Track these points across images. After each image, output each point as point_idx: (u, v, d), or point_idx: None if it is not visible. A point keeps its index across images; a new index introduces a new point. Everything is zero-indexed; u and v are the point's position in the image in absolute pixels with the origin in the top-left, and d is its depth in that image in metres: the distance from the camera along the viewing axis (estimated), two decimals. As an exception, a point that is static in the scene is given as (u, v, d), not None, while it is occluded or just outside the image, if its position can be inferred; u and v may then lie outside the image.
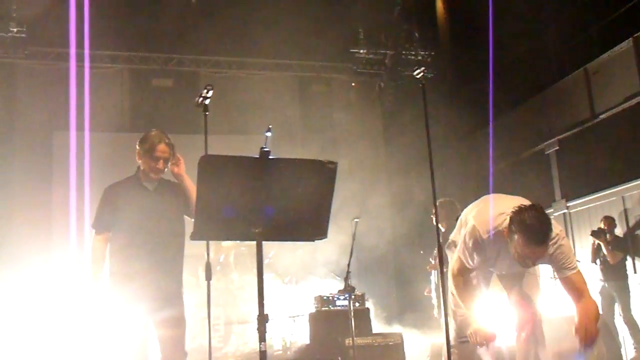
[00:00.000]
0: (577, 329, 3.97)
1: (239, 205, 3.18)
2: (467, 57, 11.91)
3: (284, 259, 11.14)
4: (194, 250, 5.12)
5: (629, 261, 9.60)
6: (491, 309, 4.45)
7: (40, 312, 9.20)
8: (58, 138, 12.43)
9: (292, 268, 11.27)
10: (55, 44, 12.43)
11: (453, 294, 4.57)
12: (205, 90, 4.57)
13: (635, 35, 10.09)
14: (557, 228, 4.13)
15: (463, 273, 4.43)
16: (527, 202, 4.09)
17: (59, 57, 12.65)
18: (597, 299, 9.37)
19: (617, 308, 9.35)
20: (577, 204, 11.37)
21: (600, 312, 9.09)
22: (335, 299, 9.33)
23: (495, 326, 4.40)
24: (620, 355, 8.63)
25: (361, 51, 14.36)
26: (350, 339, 7.56)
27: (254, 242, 3.23)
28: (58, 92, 11.74)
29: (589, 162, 11.07)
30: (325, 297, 9.36)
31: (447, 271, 4.66)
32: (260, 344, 3.08)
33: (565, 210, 11.50)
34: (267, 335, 3.12)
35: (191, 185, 4.92)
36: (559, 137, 11.74)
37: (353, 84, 14.87)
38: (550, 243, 4.03)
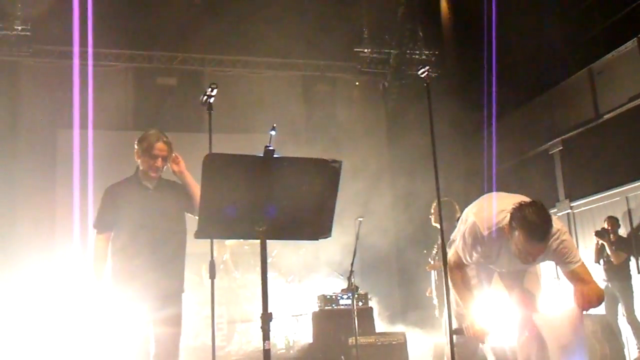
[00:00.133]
0: (575, 292, 4.02)
1: (243, 204, 3.18)
2: (471, 56, 11.89)
3: (287, 257, 11.15)
4: (197, 248, 5.12)
5: (632, 261, 9.58)
6: (493, 308, 4.45)
7: (44, 310, 9.22)
8: (62, 136, 12.45)
9: (295, 267, 11.27)
10: (59, 42, 12.43)
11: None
12: (210, 89, 4.57)
13: (640, 35, 10.09)
14: (557, 224, 4.14)
15: (460, 267, 4.44)
16: (527, 200, 4.10)
17: (63, 55, 12.66)
18: (601, 299, 9.37)
19: (621, 308, 9.34)
20: (581, 204, 11.36)
21: (604, 312, 9.14)
22: (339, 298, 9.33)
23: (493, 325, 4.41)
24: (624, 355, 8.61)
25: (365, 50, 14.35)
26: (354, 338, 7.56)
27: (258, 241, 3.23)
28: (62, 90, 11.74)
29: (593, 162, 11.06)
30: (328, 296, 9.36)
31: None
32: (264, 343, 3.08)
33: (569, 210, 11.49)
34: (271, 334, 3.12)
35: (193, 183, 4.97)
36: (563, 137, 11.73)
37: (357, 83, 14.85)
38: (552, 239, 4.04)
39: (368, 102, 14.74)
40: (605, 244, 9.42)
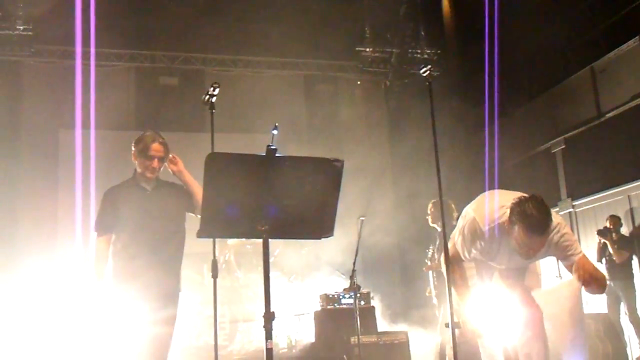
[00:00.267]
0: (576, 269, 4.02)
1: (246, 203, 3.19)
2: (473, 55, 11.88)
3: (289, 257, 11.15)
4: (199, 248, 5.13)
5: (634, 260, 9.58)
6: (493, 306, 4.45)
7: (45, 311, 9.23)
8: (64, 136, 12.45)
9: (297, 266, 11.27)
10: (61, 42, 12.44)
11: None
12: (212, 88, 4.58)
13: (642, 34, 10.08)
14: (557, 218, 4.15)
15: (459, 263, 4.45)
16: (527, 195, 4.11)
17: (65, 55, 12.67)
18: (603, 298, 9.37)
19: (623, 307, 9.33)
20: (583, 203, 11.35)
21: (606, 311, 9.14)
22: (341, 297, 9.32)
23: (489, 324, 4.41)
24: (626, 354, 8.62)
25: (367, 49, 14.34)
26: (356, 337, 7.57)
27: (260, 240, 3.24)
28: (64, 90, 11.74)
29: (595, 161, 11.05)
30: (330, 296, 9.36)
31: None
32: (266, 342, 3.08)
33: (571, 209, 11.48)
34: (273, 333, 3.13)
35: (193, 181, 5.02)
36: (565, 135, 11.72)
37: (359, 82, 14.84)
38: (553, 232, 4.05)
39: (370, 101, 14.74)
40: (607, 242, 9.41)
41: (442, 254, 4.54)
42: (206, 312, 9.54)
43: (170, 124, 12.89)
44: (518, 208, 3.97)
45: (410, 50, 14.28)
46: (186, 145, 11.13)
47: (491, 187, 4.58)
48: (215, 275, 4.70)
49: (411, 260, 9.23)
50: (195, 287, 10.02)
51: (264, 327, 3.09)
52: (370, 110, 14.51)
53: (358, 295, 7.99)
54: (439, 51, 14.38)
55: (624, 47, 10.47)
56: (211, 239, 4.60)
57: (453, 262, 4.43)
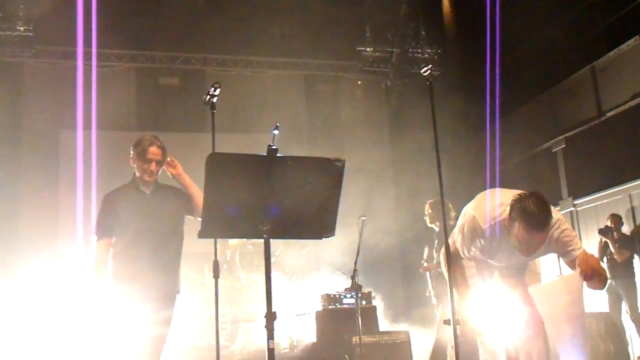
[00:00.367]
0: (579, 263, 4.00)
1: (247, 203, 3.19)
2: (473, 54, 11.87)
3: (290, 257, 11.16)
4: (200, 248, 5.13)
5: (636, 259, 9.57)
6: (494, 305, 4.45)
7: (47, 311, 9.24)
8: (65, 136, 12.46)
9: (298, 266, 11.27)
10: (62, 43, 12.46)
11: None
12: (213, 89, 4.59)
13: (643, 32, 10.07)
14: (557, 214, 4.15)
15: (457, 260, 4.45)
16: (527, 192, 4.11)
17: (65, 55, 12.69)
18: (604, 296, 9.37)
19: (625, 306, 9.33)
20: (584, 202, 11.34)
21: (608, 310, 9.13)
22: (342, 297, 9.32)
23: (488, 323, 4.41)
24: (628, 353, 8.62)
25: (368, 49, 14.35)
26: (357, 337, 7.57)
27: (261, 240, 3.24)
28: (65, 91, 11.75)
29: (596, 160, 11.04)
30: (332, 295, 9.36)
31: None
32: (268, 342, 3.08)
33: (572, 208, 11.47)
34: (274, 333, 3.13)
35: (192, 184, 5.09)
36: (566, 134, 11.71)
37: (359, 82, 14.86)
38: (553, 228, 4.06)
39: (371, 101, 14.75)
40: (608, 241, 9.41)
41: (442, 254, 4.54)
42: (207, 312, 9.55)
43: (171, 124, 12.92)
44: (518, 205, 3.98)
45: (410, 50, 14.29)
46: (187, 146, 11.15)
47: (492, 187, 4.58)
48: (216, 276, 4.71)
49: (412, 260, 9.22)
50: (196, 287, 10.03)
51: (266, 327, 3.10)
52: (371, 109, 14.51)
53: (359, 295, 7.99)
54: (439, 51, 14.38)
55: (625, 46, 10.47)
56: (212, 239, 4.60)
57: (453, 260, 4.43)
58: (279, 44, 13.25)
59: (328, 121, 14.32)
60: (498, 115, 10.30)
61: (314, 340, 9.42)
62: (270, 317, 3.11)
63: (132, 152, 5.02)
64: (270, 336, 3.09)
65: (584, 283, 4.04)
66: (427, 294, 8.21)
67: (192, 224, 5.09)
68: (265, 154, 3.09)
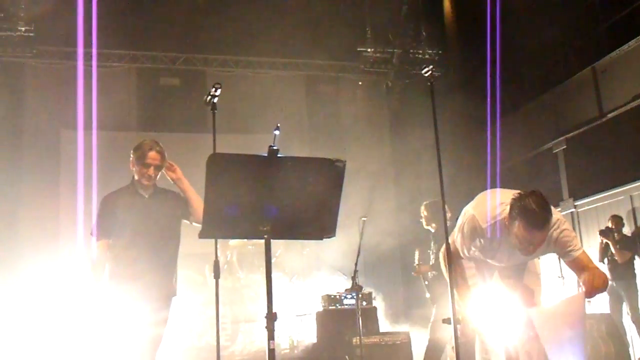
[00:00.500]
0: (585, 281, 4.00)
1: (247, 204, 3.19)
2: (474, 55, 11.88)
3: (291, 257, 11.16)
4: (201, 249, 5.15)
5: (637, 260, 9.56)
6: (494, 306, 4.44)
7: (48, 311, 9.24)
8: (65, 136, 12.46)
9: (299, 267, 11.27)
10: (63, 43, 12.47)
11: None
12: (214, 89, 4.59)
13: (644, 33, 10.07)
14: (557, 214, 4.15)
15: (455, 258, 4.44)
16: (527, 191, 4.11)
17: (66, 56, 12.69)
18: (605, 298, 9.36)
19: (625, 307, 9.33)
20: (585, 203, 11.34)
21: (608, 311, 9.12)
22: (343, 297, 9.33)
23: (489, 324, 4.41)
24: (628, 354, 8.60)
25: (368, 50, 14.35)
26: (358, 337, 7.56)
27: (262, 241, 3.24)
28: (66, 91, 11.77)
29: (597, 161, 11.04)
30: (332, 296, 9.37)
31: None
32: (269, 342, 3.08)
33: (573, 210, 11.47)
34: (275, 334, 3.13)
35: (190, 189, 5.14)
36: (566, 135, 11.71)
37: (360, 83, 14.85)
38: (553, 228, 4.05)
39: (371, 102, 14.75)
40: (609, 242, 9.40)
41: (441, 253, 4.54)
42: (208, 312, 9.56)
43: (172, 125, 12.91)
44: (518, 203, 3.98)
45: (411, 51, 14.30)
46: (187, 146, 11.19)
47: (493, 187, 4.57)
48: (217, 276, 4.71)
49: (413, 260, 9.24)
50: (197, 287, 10.04)
51: (267, 327, 3.10)
52: (372, 110, 14.52)
53: (360, 295, 7.99)
54: (440, 51, 14.39)
55: (626, 47, 10.47)
56: (213, 240, 4.61)
57: (453, 260, 4.43)
58: (280, 45, 13.25)
59: (329, 122, 14.32)
60: (499, 116, 10.30)
61: (315, 340, 9.42)
62: (271, 317, 3.11)
63: (131, 155, 5.06)
64: (271, 337, 3.09)
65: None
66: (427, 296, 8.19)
67: (190, 227, 5.16)
68: (266, 155, 3.09)
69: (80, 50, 10.26)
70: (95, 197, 5.25)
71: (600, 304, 9.44)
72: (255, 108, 13.00)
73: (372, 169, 12.57)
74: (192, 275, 10.29)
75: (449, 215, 7.49)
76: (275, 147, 3.08)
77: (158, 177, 5.09)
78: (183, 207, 5.15)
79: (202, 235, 3.28)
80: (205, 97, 4.67)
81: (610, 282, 9.35)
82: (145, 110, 13.59)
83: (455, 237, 4.45)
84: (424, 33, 14.39)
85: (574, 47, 12.25)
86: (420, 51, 14.35)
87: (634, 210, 10.25)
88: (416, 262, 8.10)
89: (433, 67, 4.54)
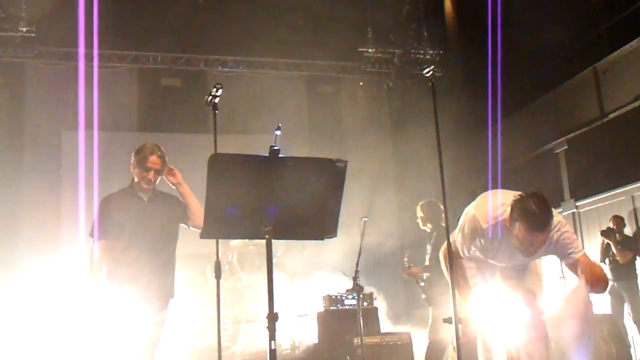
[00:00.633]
0: (581, 272, 4.02)
1: (249, 204, 3.19)
2: (475, 55, 11.87)
3: (292, 258, 11.15)
4: (202, 249, 5.16)
5: (638, 261, 9.55)
6: (497, 308, 4.44)
7: (48, 312, 9.24)
8: (67, 137, 12.46)
9: (300, 267, 11.27)
10: (64, 44, 12.47)
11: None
12: (215, 89, 4.59)
13: (645, 34, 10.05)
14: (558, 217, 4.15)
15: (456, 258, 4.43)
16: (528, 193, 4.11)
17: (67, 56, 12.69)
18: (607, 298, 9.35)
19: (627, 308, 9.32)
20: (586, 204, 11.33)
21: (610, 312, 9.11)
22: (344, 298, 9.33)
23: (490, 324, 4.41)
24: (630, 354, 8.60)
25: (370, 50, 14.35)
26: (359, 338, 7.56)
27: (263, 241, 3.24)
28: (67, 92, 11.80)
29: (598, 162, 11.03)
30: (333, 297, 9.36)
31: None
32: (270, 343, 3.08)
33: (574, 210, 11.46)
34: (276, 334, 3.13)
35: (190, 194, 5.19)
36: (568, 136, 11.70)
37: (361, 83, 14.86)
38: (554, 230, 4.05)
39: (372, 102, 14.75)
40: (611, 243, 9.39)
41: (441, 253, 4.54)
42: (209, 313, 9.55)
43: (173, 125, 12.92)
44: (519, 205, 3.97)
45: (412, 51, 14.30)
46: (189, 147, 11.19)
47: (494, 188, 4.57)
48: (218, 276, 4.72)
49: (414, 261, 9.22)
50: (198, 288, 10.04)
51: (268, 327, 3.10)
52: (373, 110, 14.52)
53: (361, 296, 7.98)
54: (441, 51, 14.38)
55: (627, 47, 10.45)
56: (214, 240, 4.61)
57: (449, 255, 4.42)
58: (281, 45, 13.25)
59: (330, 122, 14.33)
60: (500, 116, 10.30)
61: (316, 341, 9.42)
62: (272, 317, 3.11)
63: (132, 158, 5.09)
64: (272, 337, 3.09)
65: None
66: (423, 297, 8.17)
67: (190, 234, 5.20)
68: (267, 155, 3.09)
69: (81, 50, 10.26)
70: (96, 197, 5.26)
71: (602, 304, 9.43)
72: (256, 108, 13.01)
73: (373, 170, 12.57)
74: (193, 276, 10.29)
75: (444, 215, 7.51)
76: (276, 147, 3.08)
77: (158, 180, 5.12)
78: (182, 212, 5.19)
79: (204, 235, 3.28)
80: (206, 97, 4.68)
81: (611, 283, 9.35)
82: (146, 111, 13.60)
83: (456, 237, 4.44)
84: (425, 33, 14.39)
85: (575, 47, 12.24)
86: (422, 51, 14.35)
87: (635, 210, 10.24)
88: (406, 264, 8.09)
89: (434, 67, 4.54)
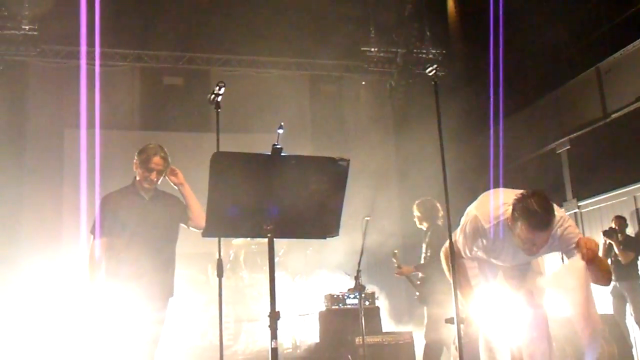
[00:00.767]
0: (577, 246, 3.98)
1: (251, 203, 3.19)
2: (478, 55, 11.86)
3: (294, 257, 11.15)
4: (203, 248, 5.16)
5: (640, 261, 9.56)
6: (499, 308, 4.43)
7: (50, 310, 9.25)
8: (69, 136, 12.47)
9: (302, 266, 11.26)
10: (66, 42, 12.48)
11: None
12: (218, 87, 4.60)
13: (648, 34, 10.05)
14: (559, 212, 4.12)
15: (457, 257, 4.42)
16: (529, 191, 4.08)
17: (70, 55, 12.70)
18: (609, 299, 9.34)
19: (629, 308, 9.31)
20: (589, 204, 11.32)
21: (612, 312, 9.10)
22: (346, 297, 9.33)
23: (492, 323, 4.40)
24: (632, 355, 8.58)
25: (372, 49, 14.34)
26: (361, 337, 7.55)
27: (265, 240, 3.24)
28: (69, 90, 11.76)
29: (601, 162, 11.02)
30: (335, 296, 9.36)
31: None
32: (271, 342, 3.08)
33: (577, 210, 11.45)
34: (277, 333, 3.12)
35: (191, 194, 5.25)
36: (570, 136, 11.69)
37: (364, 82, 14.85)
38: (557, 226, 4.02)
39: (375, 102, 14.73)
40: (613, 243, 9.38)
41: (443, 253, 4.53)
42: (211, 311, 9.55)
43: (175, 124, 12.92)
44: (520, 204, 3.95)
45: (415, 50, 14.28)
46: (191, 145, 11.20)
47: (496, 187, 4.55)
48: (220, 275, 4.72)
49: (416, 260, 9.21)
50: (200, 287, 10.04)
51: (269, 326, 3.09)
52: (375, 110, 14.51)
53: (363, 295, 7.97)
54: (444, 51, 14.37)
55: (630, 47, 10.44)
56: (216, 239, 4.62)
57: (450, 255, 4.40)
58: (284, 44, 13.25)
59: (332, 121, 14.32)
60: (502, 116, 10.28)
61: (317, 340, 9.41)
62: (274, 316, 3.10)
63: (136, 158, 5.13)
64: (274, 336, 3.09)
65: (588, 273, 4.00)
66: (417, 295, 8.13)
67: (189, 229, 5.21)
68: (269, 153, 3.09)
69: (83, 49, 10.27)
70: (98, 196, 5.28)
71: (604, 305, 9.42)
72: (258, 107, 13.00)
73: (375, 169, 12.56)
74: (195, 275, 10.29)
75: (441, 214, 7.52)
76: (279, 146, 3.08)
77: (160, 181, 5.16)
78: (182, 212, 5.24)
79: (206, 234, 3.28)
80: (209, 95, 4.68)
81: (613, 283, 9.34)
82: (149, 110, 13.61)
83: (458, 237, 4.42)
84: (427, 33, 14.38)
85: (578, 47, 12.24)
86: (424, 51, 14.34)
87: (637, 210, 10.23)
88: (395, 264, 8.07)
89: (437, 67, 4.53)
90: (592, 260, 3.91)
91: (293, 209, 3.23)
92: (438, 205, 7.65)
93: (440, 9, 14.26)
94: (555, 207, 4.04)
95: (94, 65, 10.91)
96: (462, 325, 4.13)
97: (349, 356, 8.24)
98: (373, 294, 9.53)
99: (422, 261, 7.64)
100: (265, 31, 12.90)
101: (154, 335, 4.94)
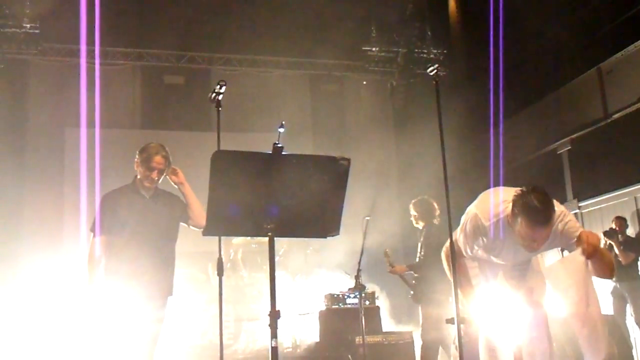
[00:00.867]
0: (578, 241, 3.96)
1: (252, 201, 3.19)
2: (479, 55, 11.86)
3: (294, 256, 11.14)
4: (204, 247, 5.16)
5: (641, 261, 9.55)
6: (497, 305, 4.43)
7: (51, 309, 9.25)
8: (70, 134, 12.46)
9: (302, 265, 11.26)
10: (67, 41, 12.48)
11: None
12: (219, 86, 4.60)
13: (650, 34, 10.05)
14: (560, 207, 4.11)
15: (458, 256, 4.41)
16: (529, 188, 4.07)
17: (71, 53, 12.70)
18: (609, 299, 9.33)
19: (629, 309, 9.30)
20: (589, 204, 11.32)
21: (612, 312, 9.09)
22: (346, 296, 9.33)
23: (492, 323, 4.39)
24: (632, 356, 8.58)
25: (373, 49, 14.34)
26: (361, 337, 7.55)
27: (265, 239, 3.24)
28: (70, 89, 11.74)
29: (602, 162, 11.02)
30: (335, 295, 9.37)
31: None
32: (271, 341, 3.07)
33: (577, 211, 11.45)
34: (277, 332, 3.12)
35: (191, 194, 5.27)
36: (571, 136, 11.69)
37: (365, 82, 14.84)
38: (557, 221, 4.01)
39: (376, 101, 14.73)
40: (613, 244, 9.36)
41: (443, 253, 4.52)
42: (211, 311, 9.55)
43: (176, 123, 12.92)
44: (520, 200, 3.94)
45: (416, 50, 14.28)
46: (192, 144, 11.19)
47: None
48: (220, 274, 4.73)
49: (413, 260, 9.25)
50: (200, 286, 10.04)
51: (269, 325, 3.09)
52: (376, 109, 14.51)
53: (363, 295, 7.97)
54: (445, 51, 14.37)
55: (631, 47, 10.44)
56: (216, 238, 4.62)
57: (450, 254, 4.40)
58: (285, 44, 13.24)
59: (333, 121, 14.33)
60: (503, 116, 10.28)
61: (317, 339, 9.41)
62: (274, 315, 3.10)
63: (137, 156, 5.15)
64: (274, 335, 3.09)
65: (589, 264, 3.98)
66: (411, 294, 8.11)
67: (189, 229, 5.21)
68: (270, 152, 3.09)
69: (84, 47, 10.28)
70: (99, 194, 5.28)
71: (604, 305, 9.41)
72: (259, 107, 13.01)
73: (376, 168, 12.56)
74: (195, 274, 10.28)
75: (437, 213, 7.52)
76: (279, 145, 3.08)
77: (161, 180, 5.17)
78: (183, 211, 5.25)
79: (206, 232, 3.28)
80: (210, 94, 4.69)
81: (613, 284, 9.34)
82: (149, 109, 13.61)
83: (458, 237, 4.41)
84: (429, 32, 14.38)
85: (579, 47, 12.23)
86: (425, 50, 14.34)
87: (638, 211, 10.22)
88: (387, 263, 8.05)
89: (438, 67, 4.52)
90: (593, 255, 3.90)
91: (294, 208, 3.23)
92: (435, 204, 7.65)
93: (441, 9, 14.26)
94: (556, 202, 4.03)
95: (94, 63, 10.92)
96: (462, 325, 4.13)
97: (349, 356, 8.24)
98: (373, 293, 9.53)
99: (417, 260, 7.64)
100: (266, 30, 12.90)
101: (153, 334, 4.95)
